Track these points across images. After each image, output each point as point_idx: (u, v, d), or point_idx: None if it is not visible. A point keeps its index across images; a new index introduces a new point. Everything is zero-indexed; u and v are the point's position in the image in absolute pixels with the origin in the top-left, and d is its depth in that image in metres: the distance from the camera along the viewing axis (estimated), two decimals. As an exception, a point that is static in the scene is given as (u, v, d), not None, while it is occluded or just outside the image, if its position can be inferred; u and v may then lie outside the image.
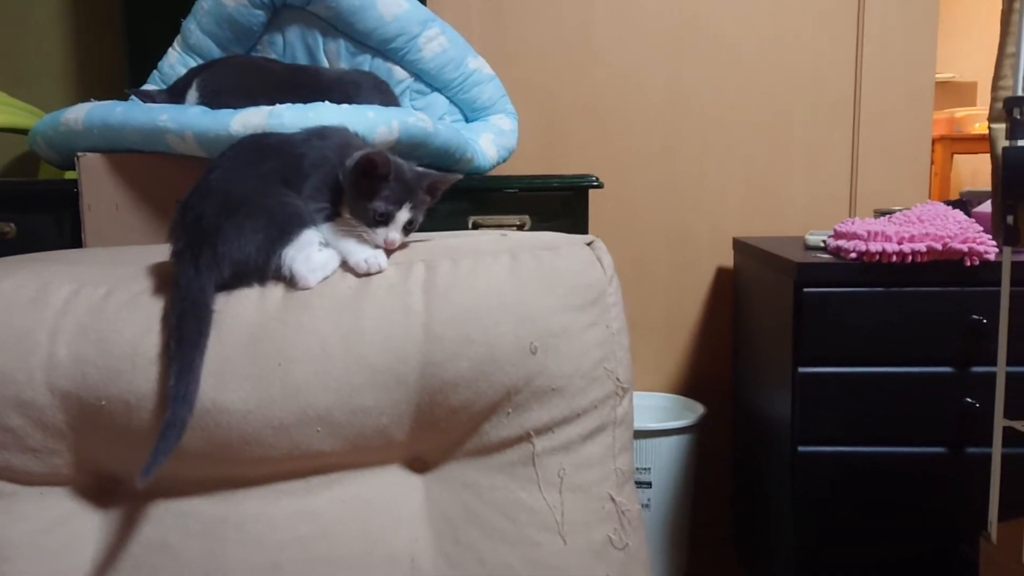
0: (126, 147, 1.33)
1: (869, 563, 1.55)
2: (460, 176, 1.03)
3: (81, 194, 1.33)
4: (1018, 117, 0.93)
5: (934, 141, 3.31)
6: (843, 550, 1.55)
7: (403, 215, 0.95)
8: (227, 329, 0.90)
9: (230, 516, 0.90)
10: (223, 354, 0.89)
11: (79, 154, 1.33)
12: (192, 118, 1.25)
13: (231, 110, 1.24)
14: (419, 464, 0.95)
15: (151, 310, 0.91)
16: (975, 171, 3.64)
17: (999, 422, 1.05)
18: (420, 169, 1.00)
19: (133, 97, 1.43)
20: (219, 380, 0.88)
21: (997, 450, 1.06)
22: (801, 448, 1.54)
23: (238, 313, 0.91)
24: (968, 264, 1.46)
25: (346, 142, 1.01)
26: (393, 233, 0.95)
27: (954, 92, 3.73)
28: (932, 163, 3.26)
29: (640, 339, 2.14)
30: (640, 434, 1.84)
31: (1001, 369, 1.05)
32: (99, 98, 1.39)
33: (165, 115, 1.26)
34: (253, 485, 0.92)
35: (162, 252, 0.96)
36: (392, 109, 1.32)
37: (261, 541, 0.89)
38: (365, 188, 0.94)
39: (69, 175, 1.47)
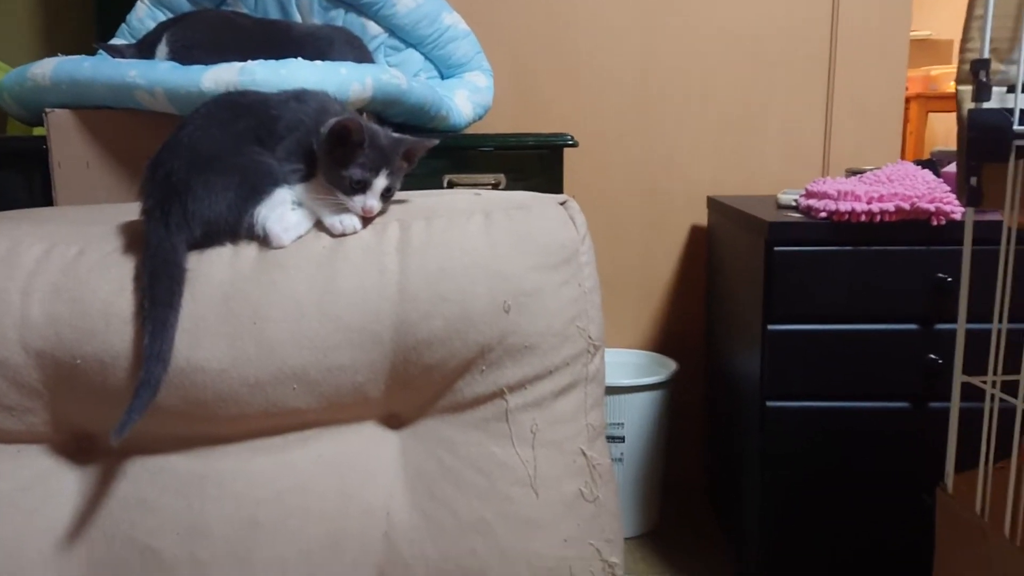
0: (95, 103, 1.31)
1: (834, 512, 1.60)
2: (437, 141, 1.02)
3: (51, 151, 1.32)
4: (984, 80, 0.95)
5: (910, 99, 3.34)
6: (810, 500, 1.60)
7: (380, 182, 0.94)
8: (201, 288, 0.90)
9: (208, 472, 0.91)
10: (197, 313, 0.89)
11: (47, 110, 1.31)
12: (162, 74, 1.23)
13: (202, 66, 1.22)
14: (394, 421, 0.97)
15: (124, 269, 0.91)
16: (949, 129, 3.67)
17: (958, 377, 1.09)
18: (396, 135, 0.99)
19: (101, 52, 1.41)
20: (193, 339, 0.88)
21: (955, 405, 1.09)
22: (769, 403, 1.57)
23: (211, 272, 0.91)
24: (935, 224, 1.49)
25: (324, 107, 1.00)
26: (371, 200, 0.94)
27: (930, 50, 3.74)
28: (907, 121, 3.29)
29: (614, 297, 2.16)
30: (614, 390, 1.88)
31: (961, 326, 1.08)
32: (66, 52, 1.36)
33: (134, 71, 1.25)
34: (230, 442, 0.93)
35: (134, 210, 0.95)
36: (366, 66, 1.31)
37: (239, 497, 0.90)
38: (340, 156, 0.93)
39: (38, 131, 1.45)
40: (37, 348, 0.89)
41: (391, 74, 1.32)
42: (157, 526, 0.90)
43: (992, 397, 1.03)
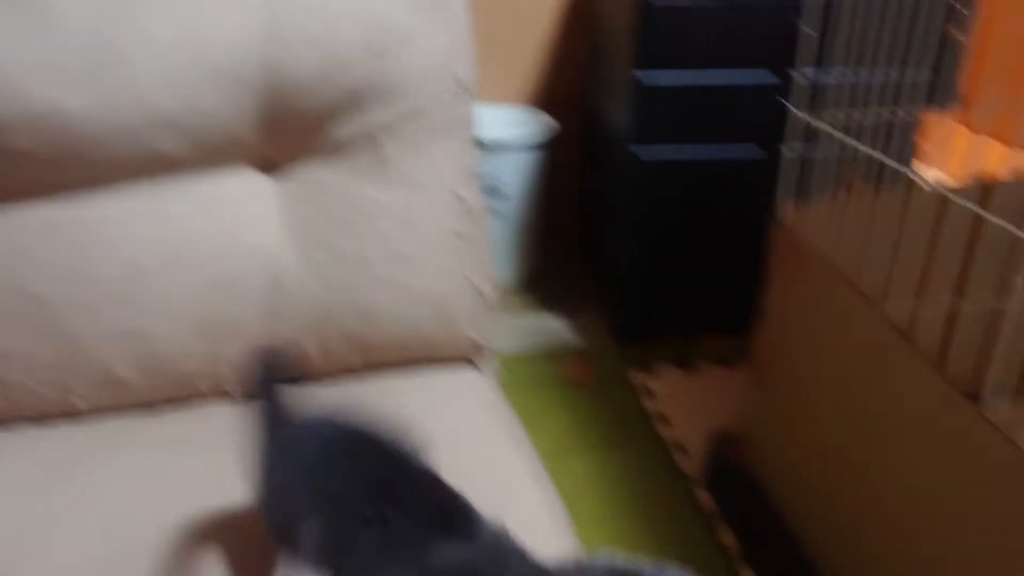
0: None
1: (694, 249, 1.76)
2: None
3: None
4: None
5: None
6: (671, 239, 1.74)
7: None
8: (57, 25, 0.86)
9: (86, 218, 0.92)
10: (56, 55, 0.86)
11: None
12: None
13: None
14: (270, 166, 0.99)
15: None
16: None
17: (799, 117, 1.18)
18: None
19: None
20: (54, 79, 0.85)
21: (791, 141, 1.19)
22: (634, 147, 1.66)
23: (69, 11, 0.86)
24: (800, -26, 1.53)
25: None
26: None
27: None
28: None
29: (492, 52, 2.14)
30: (493, 146, 1.92)
31: (804, 70, 1.16)
32: None
33: None
34: (106, 189, 0.93)
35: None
36: None
37: (120, 240, 0.93)
38: None
39: None
40: None
41: None
42: (41, 273, 0.91)
43: (829, 136, 1.13)
